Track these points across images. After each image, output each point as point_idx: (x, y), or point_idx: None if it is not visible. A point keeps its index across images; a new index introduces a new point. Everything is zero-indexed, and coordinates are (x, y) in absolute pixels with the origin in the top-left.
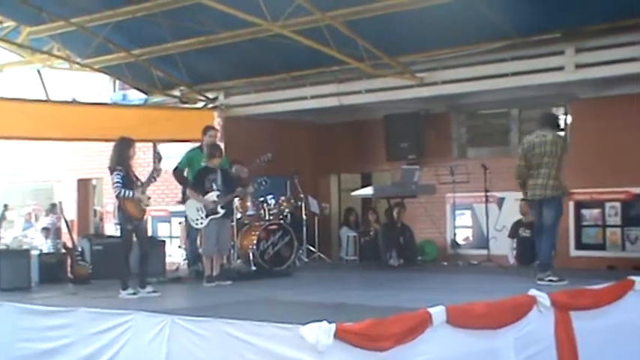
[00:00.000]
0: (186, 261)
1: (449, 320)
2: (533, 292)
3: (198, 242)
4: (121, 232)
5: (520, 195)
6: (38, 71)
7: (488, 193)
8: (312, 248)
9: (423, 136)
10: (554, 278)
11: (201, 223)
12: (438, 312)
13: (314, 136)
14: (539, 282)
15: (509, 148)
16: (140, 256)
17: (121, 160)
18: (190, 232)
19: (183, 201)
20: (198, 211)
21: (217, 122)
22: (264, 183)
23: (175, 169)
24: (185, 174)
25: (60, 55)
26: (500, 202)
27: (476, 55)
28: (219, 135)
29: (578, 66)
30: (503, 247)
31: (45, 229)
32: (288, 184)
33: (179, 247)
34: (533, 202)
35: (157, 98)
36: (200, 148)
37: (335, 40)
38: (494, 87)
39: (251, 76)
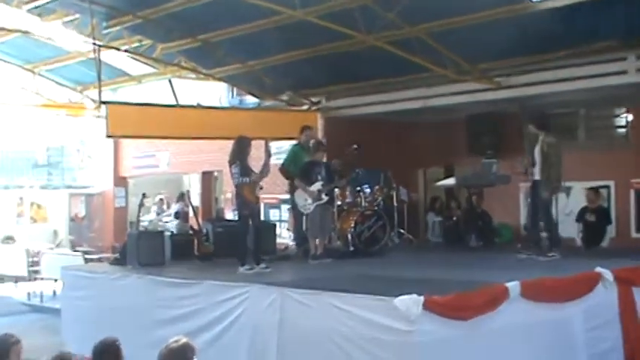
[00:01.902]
0: (295, 242)
1: (523, 293)
2: (598, 269)
3: (304, 226)
4: (239, 217)
5: (587, 184)
6: (169, 81)
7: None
8: (402, 231)
9: (500, 133)
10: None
11: (308, 209)
12: (513, 286)
13: (404, 134)
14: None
15: (577, 143)
16: (255, 236)
17: (240, 155)
18: (298, 217)
19: (291, 191)
20: (305, 199)
21: (320, 122)
22: (359, 173)
23: (282, 167)
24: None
25: (187, 67)
26: (568, 190)
27: (545, 61)
28: (319, 133)
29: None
30: (570, 230)
31: (176, 214)
32: (382, 176)
33: (287, 229)
34: None
35: (267, 102)
36: (299, 145)
37: (422, 49)
38: (561, 89)
39: (349, 82)
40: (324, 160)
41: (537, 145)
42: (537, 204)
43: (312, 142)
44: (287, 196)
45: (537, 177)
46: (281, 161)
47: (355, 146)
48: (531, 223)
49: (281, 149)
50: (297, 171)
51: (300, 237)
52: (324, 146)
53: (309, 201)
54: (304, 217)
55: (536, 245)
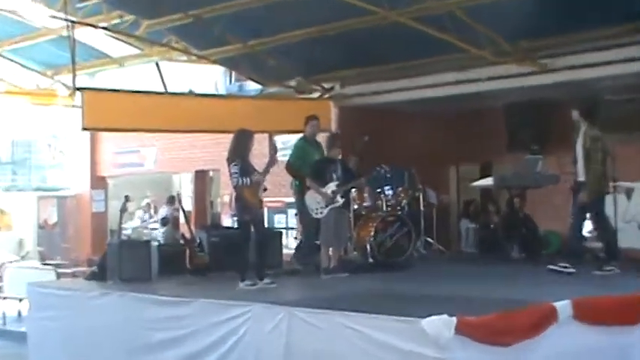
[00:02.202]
0: (298, 254)
1: (575, 315)
2: None
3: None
4: (239, 223)
5: None
6: (157, 64)
7: (616, 183)
8: (430, 240)
9: (546, 125)
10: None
11: (321, 213)
12: (563, 306)
13: (432, 126)
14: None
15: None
16: (257, 247)
17: (240, 152)
18: (307, 224)
19: (298, 192)
20: (317, 201)
21: (334, 112)
22: (381, 171)
23: (288, 165)
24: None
25: (177, 48)
26: (629, 192)
27: (600, 39)
28: (332, 125)
29: None
30: (632, 239)
31: (163, 219)
32: (406, 175)
33: (295, 238)
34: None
35: (272, 89)
36: (304, 138)
37: (453, 26)
38: (620, 72)
39: (368, 65)
40: (340, 156)
41: (579, 138)
42: (581, 209)
43: (326, 135)
44: (293, 199)
45: (581, 177)
46: (287, 158)
47: (366, 138)
48: (573, 231)
49: (287, 144)
50: (307, 169)
51: (307, 247)
52: (340, 140)
53: (322, 204)
54: (311, 222)
55: (577, 257)
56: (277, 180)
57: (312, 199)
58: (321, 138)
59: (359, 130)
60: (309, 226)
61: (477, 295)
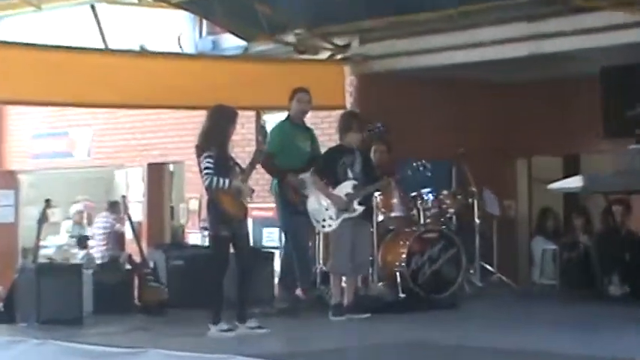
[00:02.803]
0: (282, 280)
1: None
2: None
3: (319, 254)
4: (213, 241)
5: None
6: (92, 7)
7: None
8: (488, 267)
9: None
10: None
11: (329, 226)
12: None
13: (491, 101)
14: None
15: None
16: (239, 275)
17: (216, 139)
18: (296, 235)
19: (280, 193)
20: (325, 209)
21: (350, 81)
22: (422, 168)
23: (266, 156)
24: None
25: None
26: None
27: None
28: (347, 99)
29: None
30: None
31: (81, 240)
32: (453, 173)
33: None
34: None
35: (261, 46)
36: (288, 119)
37: None
38: None
39: (398, 13)
40: (358, 144)
41: None
42: None
43: (339, 114)
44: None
45: None
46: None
47: (379, 125)
48: None
49: None
50: (287, 162)
51: (305, 275)
52: (359, 121)
53: (332, 213)
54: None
55: None
56: (266, 179)
57: (318, 205)
58: (326, 122)
59: (386, 106)
60: (299, 238)
61: (559, 351)
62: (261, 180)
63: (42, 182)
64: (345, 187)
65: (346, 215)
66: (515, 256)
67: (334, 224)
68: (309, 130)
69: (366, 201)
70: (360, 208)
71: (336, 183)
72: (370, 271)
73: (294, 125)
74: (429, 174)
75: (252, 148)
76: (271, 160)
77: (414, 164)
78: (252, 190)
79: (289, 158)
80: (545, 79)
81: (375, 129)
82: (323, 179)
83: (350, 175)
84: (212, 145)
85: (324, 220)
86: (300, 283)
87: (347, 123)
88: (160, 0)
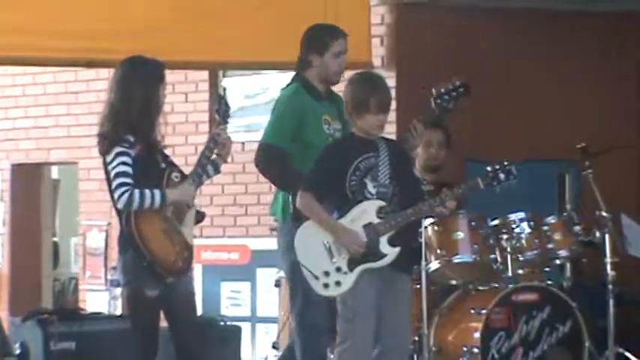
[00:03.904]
0: None
1: None
2: None
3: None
4: (130, 306)
5: None
6: None
7: None
8: (630, 356)
9: None
10: None
11: (337, 284)
12: None
13: (622, 51)
14: None
15: None
16: None
17: (135, 120)
18: (301, 304)
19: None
20: (328, 250)
21: (380, 15)
22: (505, 175)
23: (263, 147)
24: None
25: None
26: None
27: None
28: (372, 51)
29: None
30: None
31: None
32: (565, 183)
33: (274, 346)
34: None
35: None
36: (302, 84)
37: None
38: None
39: None
40: (380, 131)
41: None
42: None
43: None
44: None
45: None
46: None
47: (458, 83)
48: None
49: (264, 100)
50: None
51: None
52: (387, 92)
53: (339, 260)
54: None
55: None
56: (232, 189)
57: (312, 246)
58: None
59: (432, 57)
60: (311, 312)
61: None
62: (220, 195)
63: None
64: (364, 213)
65: (366, 266)
66: None
67: (345, 281)
68: (337, 102)
69: (405, 237)
70: (392, 252)
71: (347, 204)
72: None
73: (316, 94)
74: (516, 182)
75: (202, 138)
76: (269, 153)
77: (490, 169)
78: (201, 216)
79: (307, 153)
80: None
81: (453, 90)
82: (321, 200)
83: (371, 189)
84: (126, 131)
85: (326, 275)
86: None
87: (361, 95)
88: None
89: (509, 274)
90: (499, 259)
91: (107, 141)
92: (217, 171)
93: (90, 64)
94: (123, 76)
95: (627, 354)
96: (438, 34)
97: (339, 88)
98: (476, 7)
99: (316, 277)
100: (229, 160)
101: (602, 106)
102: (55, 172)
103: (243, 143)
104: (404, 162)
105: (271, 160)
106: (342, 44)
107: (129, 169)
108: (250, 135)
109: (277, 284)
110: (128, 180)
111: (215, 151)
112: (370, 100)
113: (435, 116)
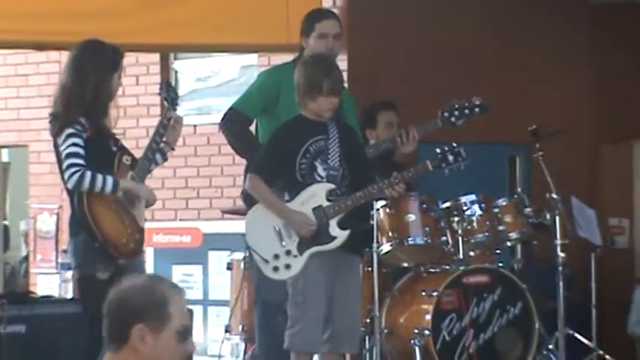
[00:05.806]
0: None
1: None
2: None
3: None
4: (82, 289)
5: None
6: None
7: None
8: (581, 338)
9: None
10: None
11: (287, 268)
12: None
13: (594, 40)
14: None
15: None
16: None
17: (87, 102)
18: (257, 292)
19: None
20: (278, 234)
21: None
22: (455, 157)
23: (232, 115)
24: (256, 131)
25: None
26: None
27: None
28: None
29: None
30: None
31: None
32: (516, 165)
33: (227, 329)
34: None
35: None
36: (295, 65)
37: None
38: None
39: None
40: (330, 114)
41: None
42: None
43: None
44: (233, 225)
45: None
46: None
47: (478, 101)
48: None
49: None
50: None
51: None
52: (341, 77)
53: (289, 243)
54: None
55: None
56: (183, 172)
57: (263, 229)
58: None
59: (406, 47)
60: (272, 306)
61: None
62: (172, 178)
63: None
64: (314, 196)
65: (316, 248)
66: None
67: (295, 264)
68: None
69: (355, 220)
70: (342, 235)
71: (297, 186)
72: (366, 341)
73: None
74: (467, 164)
75: (153, 120)
76: (245, 126)
77: (439, 150)
78: (148, 201)
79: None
80: None
81: (473, 107)
82: (270, 183)
83: (321, 171)
84: (79, 113)
85: (275, 258)
86: None
87: (314, 78)
88: None
89: (461, 256)
90: (450, 241)
91: (59, 122)
92: (165, 158)
93: (40, 46)
94: (79, 59)
95: (577, 335)
96: (392, 16)
97: None
98: None
99: (266, 261)
100: (180, 142)
101: (555, 90)
102: (5, 155)
103: (194, 126)
104: (354, 144)
105: (233, 123)
106: (327, 25)
107: (80, 150)
108: (202, 118)
109: (229, 267)
110: (79, 161)
111: (164, 138)
112: (323, 83)
113: (436, 129)
